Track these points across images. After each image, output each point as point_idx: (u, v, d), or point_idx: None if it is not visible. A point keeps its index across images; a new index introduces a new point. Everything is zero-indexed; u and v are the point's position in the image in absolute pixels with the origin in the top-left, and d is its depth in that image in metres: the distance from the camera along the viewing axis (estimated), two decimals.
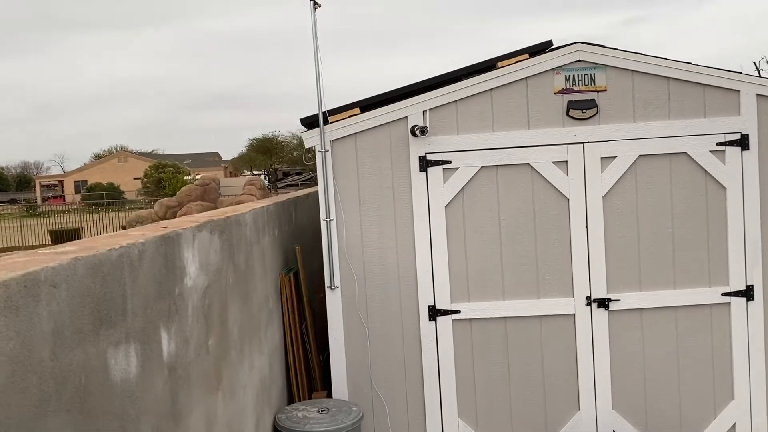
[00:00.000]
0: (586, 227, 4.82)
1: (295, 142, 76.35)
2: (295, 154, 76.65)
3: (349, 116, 4.83)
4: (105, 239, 2.20)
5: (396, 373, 4.90)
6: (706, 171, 4.78)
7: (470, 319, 4.86)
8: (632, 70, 4.75)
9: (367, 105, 4.97)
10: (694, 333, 4.85)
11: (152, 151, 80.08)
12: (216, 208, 16.54)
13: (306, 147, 4.85)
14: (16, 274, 1.45)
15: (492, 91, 4.79)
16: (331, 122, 4.81)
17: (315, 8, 4.68)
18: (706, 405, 4.88)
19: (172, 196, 43.67)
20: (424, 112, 4.76)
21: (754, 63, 16.46)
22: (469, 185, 4.82)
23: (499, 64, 4.87)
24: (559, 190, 4.82)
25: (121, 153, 70.68)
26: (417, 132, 4.67)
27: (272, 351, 4.55)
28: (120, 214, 32.07)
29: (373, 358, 4.88)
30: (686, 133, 4.76)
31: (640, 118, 4.78)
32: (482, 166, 4.80)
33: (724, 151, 4.77)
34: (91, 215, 29.69)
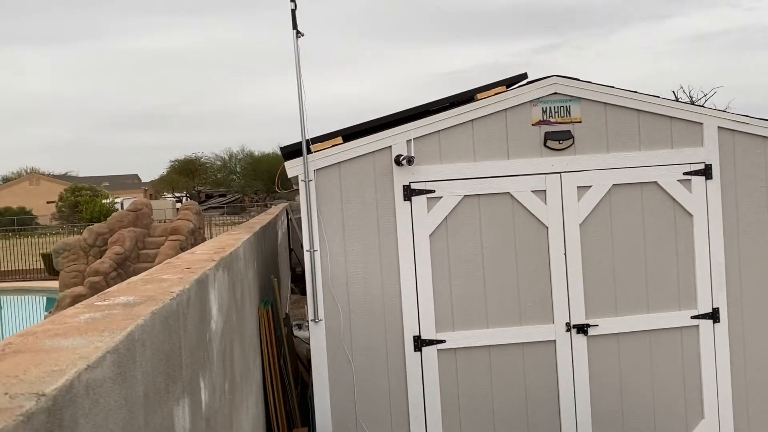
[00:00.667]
0: (565, 254, 4.94)
1: (218, 163, 74.88)
2: (218, 175, 75.14)
3: (333, 145, 4.77)
4: (151, 283, 2.05)
5: (381, 406, 4.82)
6: (674, 199, 5.01)
7: (455, 348, 4.85)
8: (605, 103, 4.94)
9: (349, 134, 4.93)
10: (666, 355, 5.04)
11: (66, 173, 76.37)
12: (149, 234, 15.91)
13: (289, 176, 4.75)
14: (121, 336, 1.33)
15: (473, 121, 4.86)
16: (314, 151, 4.73)
17: (298, 37, 4.62)
18: (679, 423, 5.06)
19: (89, 220, 41.66)
20: (408, 141, 4.77)
21: (673, 92, 17.59)
22: (453, 214, 4.84)
23: (478, 95, 4.95)
24: (538, 219, 4.92)
25: (33, 175, 66.98)
26: (404, 162, 4.66)
27: (257, 388, 4.38)
28: (35, 240, 30.26)
29: (358, 392, 4.79)
30: (655, 163, 4.98)
31: (613, 149, 4.97)
32: (465, 195, 4.84)
33: (690, 180, 5.02)
34: (2, 241, 27.83)
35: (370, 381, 4.80)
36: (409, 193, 4.79)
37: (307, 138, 4.71)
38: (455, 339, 4.85)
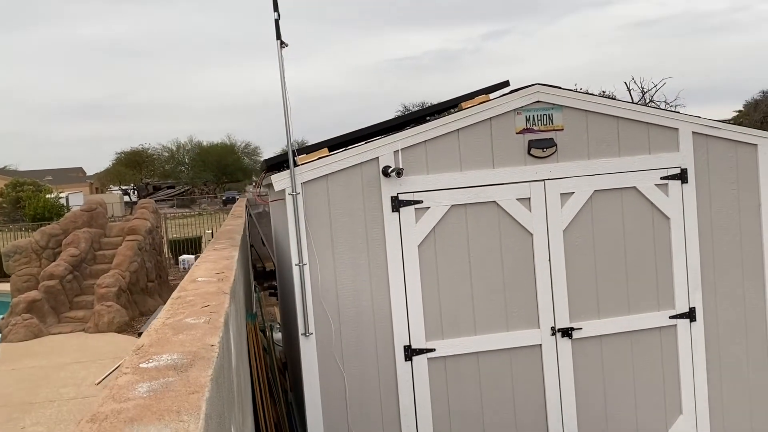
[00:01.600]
0: (549, 260, 5.02)
1: (166, 154, 73.14)
2: (166, 167, 73.41)
3: (319, 157, 4.71)
4: (182, 332, 1.99)
5: (373, 416, 4.82)
6: (652, 203, 5.16)
7: (445, 356, 4.89)
8: (586, 111, 5.03)
9: (335, 144, 4.88)
10: (646, 355, 5.20)
11: (5, 167, 73.24)
12: (105, 234, 15.42)
13: (276, 190, 4.67)
14: (202, 422, 1.28)
15: (459, 131, 4.87)
16: (301, 164, 4.67)
17: (282, 47, 4.53)
18: (659, 420, 5.24)
19: (33, 216, 40.11)
20: (396, 152, 4.75)
21: (625, 83, 18.05)
22: (441, 224, 4.86)
23: (463, 104, 4.97)
24: (523, 226, 4.98)
25: None
26: (392, 173, 4.64)
27: (250, 403, 4.32)
28: None
29: (350, 403, 4.78)
30: (634, 169, 5.11)
31: (594, 155, 5.06)
32: (452, 205, 4.86)
33: (667, 184, 5.16)
34: None
35: (362, 392, 4.80)
36: (397, 204, 4.78)
37: (290, 148, 4.63)
38: (444, 347, 4.88)
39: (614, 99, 5.11)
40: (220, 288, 2.85)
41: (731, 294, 5.29)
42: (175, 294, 2.83)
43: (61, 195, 48.29)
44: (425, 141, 4.82)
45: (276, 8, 4.37)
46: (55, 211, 41.58)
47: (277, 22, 4.46)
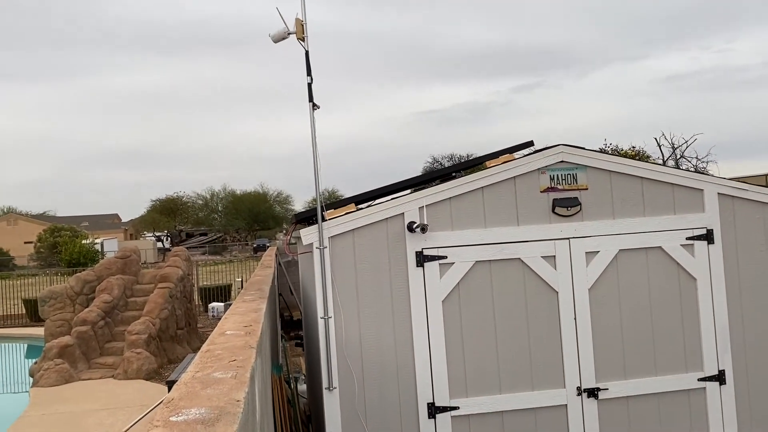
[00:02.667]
0: (575, 319, 5.02)
1: (200, 202, 74.67)
2: (200, 214, 74.83)
3: (347, 213, 4.84)
4: (210, 386, 2.08)
5: None
6: (678, 263, 5.14)
7: (469, 414, 4.87)
8: (610, 171, 5.10)
9: (362, 200, 5.02)
10: (675, 418, 5.10)
11: (44, 213, 75.45)
12: (138, 281, 15.73)
13: (304, 243, 4.80)
14: None
15: (483, 189, 4.97)
16: (328, 218, 4.80)
17: (314, 109, 4.72)
18: None
19: (69, 261, 41.03)
20: (421, 208, 4.86)
21: (656, 139, 18.07)
22: (465, 280, 4.92)
23: (488, 163, 5.08)
24: (548, 284, 5.01)
25: (11, 215, 66.04)
26: (417, 229, 4.75)
27: None
28: (13, 282, 29.67)
29: None
30: (660, 229, 5.12)
31: (618, 215, 5.10)
32: (476, 261, 4.93)
33: (693, 245, 5.16)
34: None
35: None
36: (421, 259, 4.87)
37: (321, 203, 4.77)
38: (469, 405, 4.87)
39: (641, 157, 5.17)
40: (247, 342, 2.95)
41: (763, 357, 5.19)
42: (204, 347, 2.93)
43: (96, 241, 49.44)
44: (450, 198, 4.92)
45: (309, 73, 4.59)
46: (90, 257, 42.56)
47: (309, 85, 4.67)
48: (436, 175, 5.24)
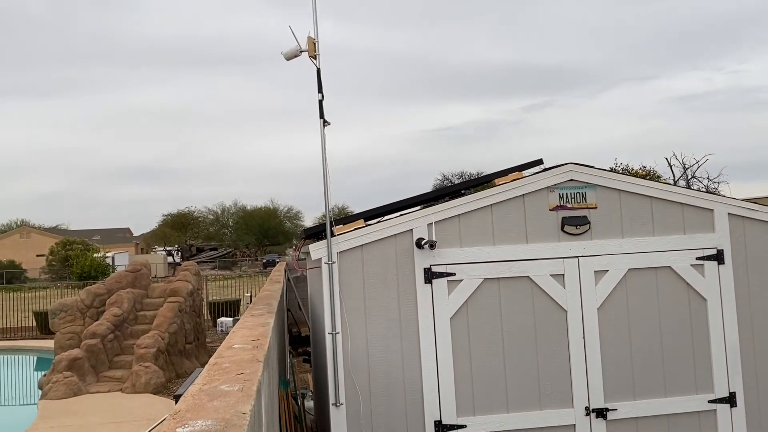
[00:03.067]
0: (584, 338, 4.99)
1: (211, 217, 75.03)
2: (210, 229, 75.13)
3: (356, 228, 4.87)
4: (216, 398, 2.09)
5: None
6: (688, 283, 5.12)
7: None
8: (619, 190, 5.10)
9: (371, 216, 5.04)
10: None
11: (57, 226, 76.06)
12: (148, 295, 15.80)
13: (313, 258, 4.82)
14: None
15: (492, 206, 4.98)
16: (337, 234, 4.83)
17: (325, 126, 4.77)
18: None
19: (80, 275, 41.26)
20: (429, 225, 4.87)
21: (666, 159, 18.07)
22: (473, 297, 4.91)
23: (497, 181, 5.10)
24: (557, 302, 4.99)
25: (24, 228, 66.64)
26: (425, 246, 4.76)
27: None
28: (24, 295, 29.86)
29: None
30: (669, 248, 5.11)
31: (628, 234, 5.09)
32: (485, 279, 4.92)
33: (703, 265, 5.13)
34: None
35: None
36: (429, 275, 4.87)
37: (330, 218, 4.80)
38: (476, 424, 4.84)
39: (651, 176, 5.17)
40: (255, 356, 2.96)
41: None
42: (212, 360, 2.95)
43: (107, 254, 49.71)
44: (459, 215, 4.94)
45: (320, 90, 4.64)
46: (101, 270, 42.77)
47: (320, 102, 4.72)
48: (445, 192, 5.26)
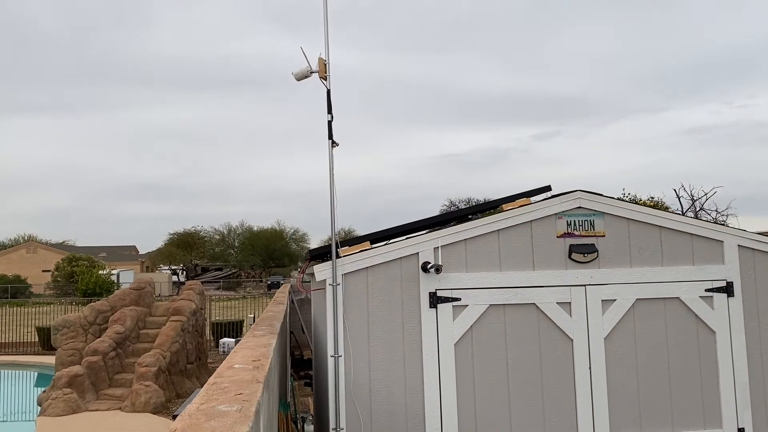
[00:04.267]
0: (590, 368, 4.91)
1: (217, 237, 75.08)
2: (216, 249, 75.12)
3: (361, 250, 4.83)
4: (214, 419, 2.05)
5: None
6: (696, 315, 5.04)
7: None
8: (628, 218, 5.06)
9: (377, 238, 5.01)
10: None
11: (64, 242, 76.28)
12: (151, 313, 15.74)
13: (317, 280, 4.78)
14: None
15: (499, 231, 4.95)
16: (343, 255, 4.79)
17: (333, 147, 4.77)
18: None
19: (84, 291, 41.28)
20: (435, 249, 4.84)
21: (675, 191, 18.03)
22: (478, 323, 4.85)
23: (504, 206, 5.07)
24: (563, 331, 4.92)
25: (31, 243, 66.87)
26: (432, 270, 4.71)
27: None
28: (28, 310, 29.85)
29: None
30: (678, 279, 5.04)
31: (636, 264, 5.04)
32: (490, 305, 4.87)
33: (712, 297, 5.06)
34: None
35: None
36: (435, 300, 4.82)
37: (336, 240, 4.77)
38: None
39: (659, 207, 5.12)
40: (255, 376, 2.91)
41: None
42: (211, 379, 2.90)
43: (112, 272, 49.75)
44: (465, 239, 4.90)
45: (330, 111, 4.65)
46: (106, 287, 42.77)
47: (329, 123, 4.73)
48: (451, 217, 5.23)
